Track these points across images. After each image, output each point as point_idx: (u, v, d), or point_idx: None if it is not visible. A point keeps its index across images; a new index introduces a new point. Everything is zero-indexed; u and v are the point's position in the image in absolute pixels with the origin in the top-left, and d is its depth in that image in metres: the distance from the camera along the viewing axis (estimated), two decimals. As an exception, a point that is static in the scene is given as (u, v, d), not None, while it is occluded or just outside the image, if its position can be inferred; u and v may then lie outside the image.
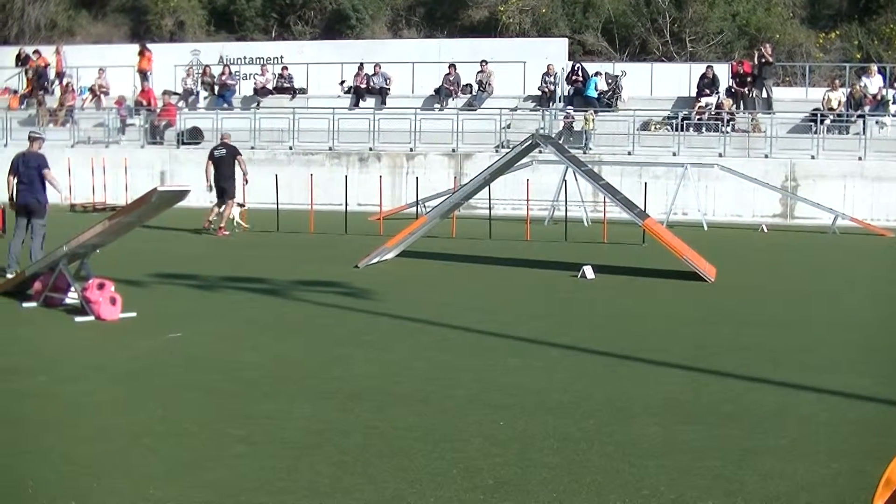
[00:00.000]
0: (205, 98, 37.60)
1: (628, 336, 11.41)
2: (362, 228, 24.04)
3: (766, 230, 27.32)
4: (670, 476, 6.34)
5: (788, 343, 11.18)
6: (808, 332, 11.95)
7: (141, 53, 37.96)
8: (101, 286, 12.10)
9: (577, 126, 32.70)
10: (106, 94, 37.81)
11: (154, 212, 12.88)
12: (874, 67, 33.88)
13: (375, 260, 17.78)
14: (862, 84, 32.75)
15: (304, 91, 37.21)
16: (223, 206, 23.68)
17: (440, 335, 11.33)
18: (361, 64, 36.18)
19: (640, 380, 9.12)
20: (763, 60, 33.48)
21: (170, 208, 13.40)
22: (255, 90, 36.91)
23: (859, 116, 31.56)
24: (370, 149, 33.14)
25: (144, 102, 36.25)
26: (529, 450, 6.85)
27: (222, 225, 23.57)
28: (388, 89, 36.01)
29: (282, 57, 38.22)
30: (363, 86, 35.99)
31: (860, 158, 30.17)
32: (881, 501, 2.88)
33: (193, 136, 34.81)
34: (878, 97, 32.46)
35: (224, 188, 23.55)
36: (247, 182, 24.02)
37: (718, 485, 6.20)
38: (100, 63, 38.34)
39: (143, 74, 37.67)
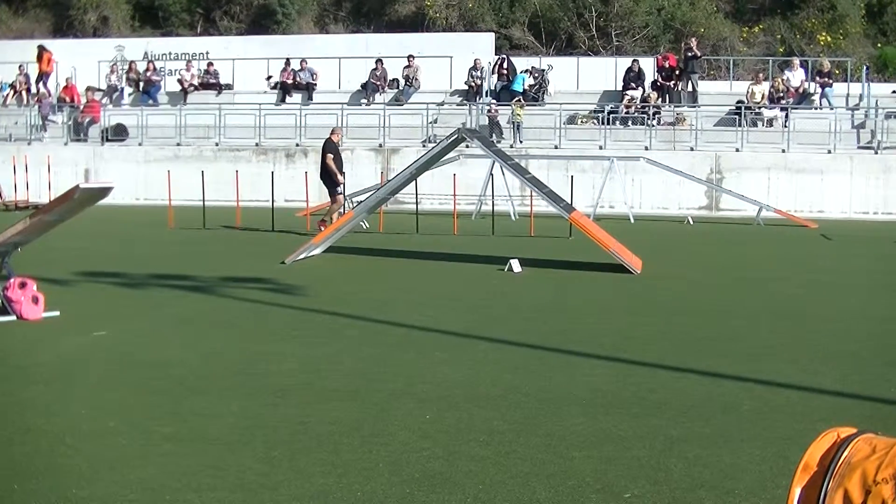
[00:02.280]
0: (129, 94, 37.27)
1: (555, 328, 11.47)
2: (289, 224, 23.96)
3: (691, 222, 27.62)
4: (597, 466, 6.39)
5: (714, 332, 11.31)
6: (733, 321, 12.10)
7: (39, 56, 37.29)
8: (22, 285, 11.92)
9: (503, 121, 32.84)
10: (28, 90, 37.30)
11: (77, 209, 12.71)
12: (797, 61, 34.43)
13: (303, 256, 17.72)
14: (785, 77, 33.22)
15: (230, 87, 36.98)
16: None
17: (368, 330, 11.31)
18: (288, 59, 36.07)
19: (568, 371, 9.17)
20: (690, 54, 33.84)
21: (93, 205, 13.23)
22: (183, 87, 36.60)
23: (783, 109, 32.02)
24: (297, 144, 33.06)
25: (68, 99, 35.82)
26: (456, 442, 6.87)
27: (325, 219, 22.76)
28: (315, 85, 35.94)
29: (207, 52, 37.96)
30: (290, 81, 35.89)
31: (784, 151, 30.61)
32: (800, 486, 2.92)
33: (118, 133, 34.49)
34: (801, 90, 32.95)
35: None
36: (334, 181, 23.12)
37: (644, 473, 6.26)
38: (21, 59, 37.79)
39: (42, 77, 37.02)
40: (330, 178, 22.91)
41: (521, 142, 32.21)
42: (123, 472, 6.22)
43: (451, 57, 35.70)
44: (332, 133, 23.82)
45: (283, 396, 8.11)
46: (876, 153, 30.53)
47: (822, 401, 8.19)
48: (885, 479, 2.67)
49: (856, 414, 7.64)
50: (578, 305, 13.37)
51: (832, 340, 10.90)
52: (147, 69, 36.85)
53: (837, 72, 35.83)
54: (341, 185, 23.08)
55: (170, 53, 38.55)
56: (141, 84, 36.81)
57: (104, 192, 12.50)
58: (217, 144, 33.46)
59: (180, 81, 36.61)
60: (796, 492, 2.93)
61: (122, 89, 37.30)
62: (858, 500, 2.71)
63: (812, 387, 8.61)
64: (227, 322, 11.80)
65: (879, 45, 43.55)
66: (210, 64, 37.07)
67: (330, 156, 22.82)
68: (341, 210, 22.71)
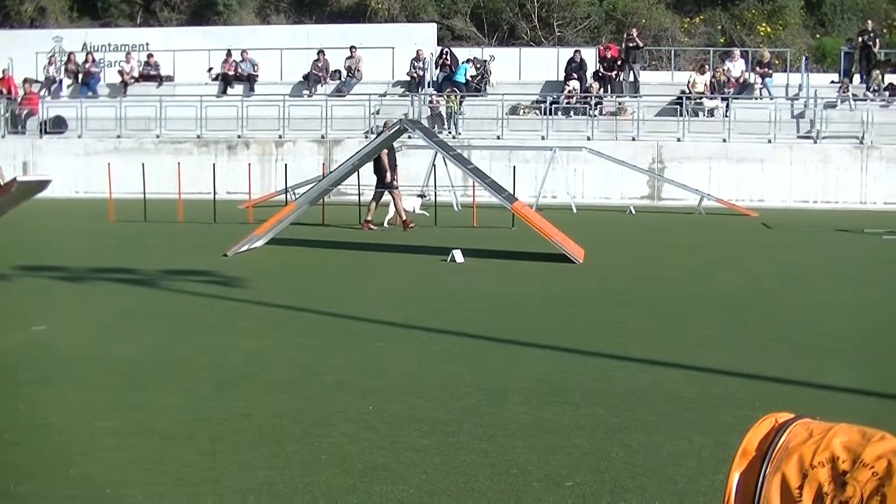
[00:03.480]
0: (68, 86, 36.81)
1: (498, 318, 11.49)
2: (232, 216, 23.82)
3: (633, 212, 27.76)
4: (539, 455, 6.41)
5: (656, 322, 11.38)
6: (675, 310, 12.19)
7: None
8: (-40, 279, 11.79)
9: (444, 111, 32.86)
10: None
11: (14, 203, 12.54)
12: (737, 52, 34.76)
13: (244, 248, 17.62)
14: (725, 68, 33.52)
15: (170, 78, 36.66)
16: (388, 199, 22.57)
17: (310, 321, 11.28)
18: (229, 51, 35.81)
19: (510, 361, 9.19)
20: (632, 44, 34.01)
21: (32, 199, 13.08)
22: (123, 78, 36.22)
23: (723, 99, 32.28)
24: (238, 136, 32.88)
25: (4, 90, 35.37)
26: (399, 433, 6.87)
27: (405, 218, 22.43)
28: (256, 76, 35.72)
29: (148, 44, 37.61)
30: (231, 73, 35.64)
31: (724, 140, 30.85)
32: (738, 471, 2.93)
33: (57, 126, 34.10)
34: (741, 80, 33.24)
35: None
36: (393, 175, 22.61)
37: (586, 461, 6.29)
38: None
39: None
40: (381, 173, 22.49)
41: (459, 133, 32.22)
42: (64, 468, 6.16)
43: (393, 48, 35.61)
44: (384, 127, 23.22)
45: (226, 389, 8.07)
46: (815, 143, 30.86)
47: (763, 387, 8.27)
48: (822, 463, 2.69)
49: (795, 399, 7.72)
50: (521, 295, 13.40)
51: (772, 328, 11.00)
52: (86, 61, 36.43)
53: (777, 62, 36.16)
54: (394, 181, 22.58)
55: (109, 45, 38.10)
56: (80, 76, 36.39)
57: (42, 185, 12.35)
58: (158, 136, 33.19)
59: (120, 73, 36.25)
60: (735, 477, 2.94)
61: (61, 81, 36.81)
62: (796, 484, 2.74)
63: (753, 374, 8.69)
64: (169, 315, 11.72)
65: (818, 35, 44.08)
66: (150, 55, 36.70)
67: (385, 151, 22.33)
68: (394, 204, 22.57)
